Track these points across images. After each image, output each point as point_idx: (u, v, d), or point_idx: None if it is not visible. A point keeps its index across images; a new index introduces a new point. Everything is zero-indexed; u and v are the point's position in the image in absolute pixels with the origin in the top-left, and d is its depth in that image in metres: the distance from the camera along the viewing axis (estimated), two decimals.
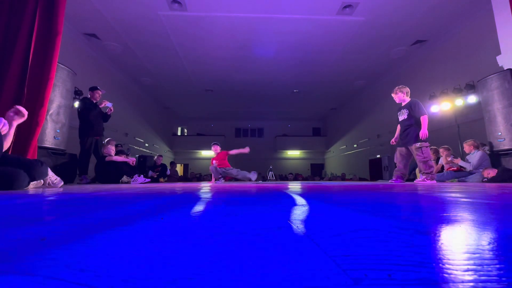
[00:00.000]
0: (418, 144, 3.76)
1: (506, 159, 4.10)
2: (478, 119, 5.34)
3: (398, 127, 4.17)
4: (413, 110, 3.88)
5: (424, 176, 3.76)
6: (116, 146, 5.13)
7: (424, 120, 3.75)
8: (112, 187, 2.62)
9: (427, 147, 3.77)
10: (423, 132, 3.70)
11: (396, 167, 4.20)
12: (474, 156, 4.33)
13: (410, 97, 4.09)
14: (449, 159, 4.71)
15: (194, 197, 1.23)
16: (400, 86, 4.12)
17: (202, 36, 6.68)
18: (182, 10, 5.66)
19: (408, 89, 4.09)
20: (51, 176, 2.25)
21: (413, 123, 3.89)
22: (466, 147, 4.54)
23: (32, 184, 2.00)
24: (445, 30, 6.35)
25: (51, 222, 0.53)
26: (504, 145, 4.06)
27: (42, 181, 2.14)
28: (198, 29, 6.37)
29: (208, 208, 0.80)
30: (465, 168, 4.44)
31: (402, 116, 4.04)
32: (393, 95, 4.18)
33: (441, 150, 4.90)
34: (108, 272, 0.25)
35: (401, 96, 4.06)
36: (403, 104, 4.08)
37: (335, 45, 7.16)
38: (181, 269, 0.26)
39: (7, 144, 2.00)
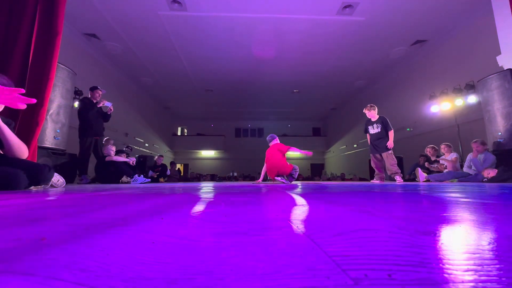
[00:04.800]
0: (390, 152, 4.58)
1: (506, 159, 4.09)
2: (478, 119, 5.34)
3: (368, 137, 4.95)
4: (385, 125, 4.68)
5: (398, 177, 4.51)
6: (126, 148, 5.05)
7: (392, 134, 4.61)
8: (112, 187, 2.62)
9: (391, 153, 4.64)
10: (390, 143, 4.55)
11: (374, 171, 4.93)
12: (491, 159, 4.07)
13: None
14: (451, 157, 4.67)
15: (194, 197, 1.23)
16: (372, 105, 4.87)
17: (202, 36, 6.69)
18: (182, 10, 5.67)
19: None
20: (54, 177, 2.23)
21: (385, 135, 4.69)
22: (480, 147, 4.24)
23: (34, 186, 1.98)
24: (445, 30, 6.35)
25: (51, 222, 0.53)
26: (504, 145, 4.06)
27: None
28: (198, 29, 6.37)
29: (208, 208, 0.80)
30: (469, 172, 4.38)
31: (376, 129, 4.79)
32: (366, 111, 4.88)
33: (442, 146, 4.89)
34: (108, 272, 0.25)
35: (374, 113, 4.84)
36: (374, 119, 4.83)
37: (335, 45, 7.16)
38: (181, 269, 0.26)
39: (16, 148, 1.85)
